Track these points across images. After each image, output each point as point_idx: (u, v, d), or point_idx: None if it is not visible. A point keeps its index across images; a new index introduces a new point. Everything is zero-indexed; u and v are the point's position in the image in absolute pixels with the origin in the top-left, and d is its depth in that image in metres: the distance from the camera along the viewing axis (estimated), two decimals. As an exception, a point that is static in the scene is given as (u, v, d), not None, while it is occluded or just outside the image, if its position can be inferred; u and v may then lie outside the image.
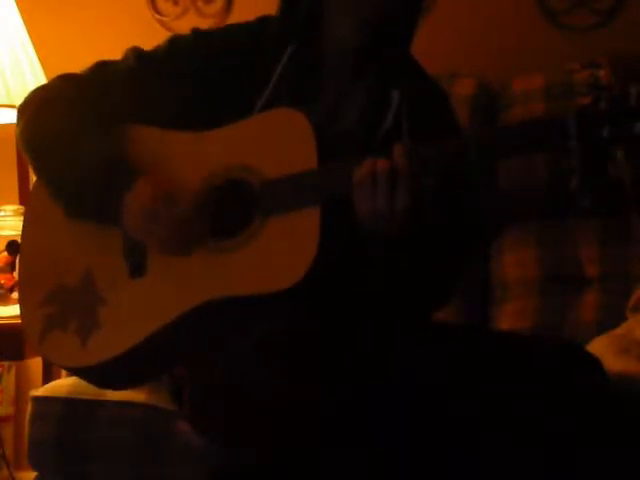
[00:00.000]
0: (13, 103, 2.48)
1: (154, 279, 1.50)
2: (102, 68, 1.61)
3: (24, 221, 1.66)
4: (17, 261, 2.14)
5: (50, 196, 1.57)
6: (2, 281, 2.36)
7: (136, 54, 1.60)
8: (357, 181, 1.37)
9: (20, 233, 1.66)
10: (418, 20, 1.58)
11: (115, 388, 1.74)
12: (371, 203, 1.35)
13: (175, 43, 1.61)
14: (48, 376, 2.38)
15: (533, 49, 2.51)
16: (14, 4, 2.59)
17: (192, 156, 1.53)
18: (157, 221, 1.46)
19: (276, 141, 1.48)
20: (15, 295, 2.29)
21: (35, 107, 1.59)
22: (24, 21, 2.60)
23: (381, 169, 1.34)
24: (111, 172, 1.49)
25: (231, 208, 1.49)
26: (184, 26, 2.68)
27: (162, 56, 1.60)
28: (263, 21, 1.62)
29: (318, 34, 1.57)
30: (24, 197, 2.62)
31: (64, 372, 2.15)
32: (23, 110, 1.61)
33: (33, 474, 1.96)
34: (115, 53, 1.63)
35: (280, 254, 1.42)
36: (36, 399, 1.91)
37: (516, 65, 2.44)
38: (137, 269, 1.51)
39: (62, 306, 1.54)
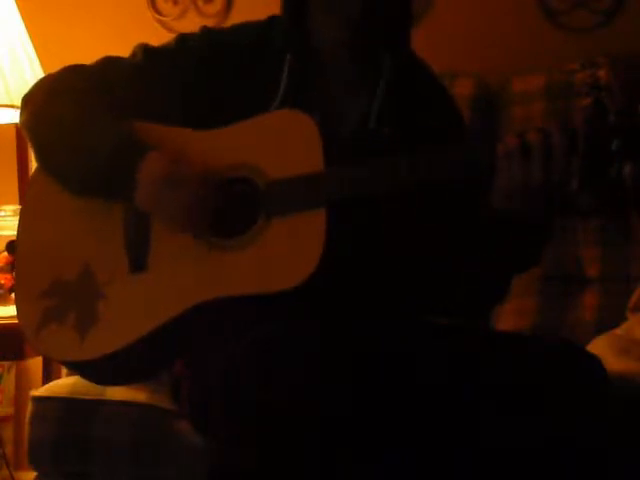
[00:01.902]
0: (13, 103, 2.48)
1: (156, 275, 1.49)
2: (110, 63, 1.61)
3: (21, 214, 1.64)
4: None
5: (55, 176, 1.55)
6: (2, 281, 2.36)
7: (144, 50, 1.60)
8: (506, 153, 1.35)
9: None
10: (408, 16, 1.57)
11: (112, 384, 1.74)
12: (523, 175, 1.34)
13: (184, 41, 1.60)
14: (48, 376, 2.38)
15: (533, 49, 2.51)
16: (14, 4, 2.59)
17: (197, 154, 1.52)
18: (175, 185, 1.45)
19: (281, 142, 1.48)
20: (15, 295, 2.29)
21: (43, 96, 1.58)
22: (24, 21, 2.60)
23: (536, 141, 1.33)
24: (123, 146, 1.48)
25: (235, 207, 1.49)
26: (184, 26, 2.68)
27: (170, 53, 1.59)
28: (272, 20, 1.62)
29: (306, 34, 1.56)
30: (24, 197, 2.61)
31: (64, 372, 2.15)
32: (29, 98, 1.60)
33: (33, 474, 1.96)
34: (115, 53, 1.62)
35: (286, 254, 1.42)
36: (36, 399, 1.91)
37: (516, 65, 2.44)
38: (138, 264, 1.50)
39: (60, 299, 1.53)
